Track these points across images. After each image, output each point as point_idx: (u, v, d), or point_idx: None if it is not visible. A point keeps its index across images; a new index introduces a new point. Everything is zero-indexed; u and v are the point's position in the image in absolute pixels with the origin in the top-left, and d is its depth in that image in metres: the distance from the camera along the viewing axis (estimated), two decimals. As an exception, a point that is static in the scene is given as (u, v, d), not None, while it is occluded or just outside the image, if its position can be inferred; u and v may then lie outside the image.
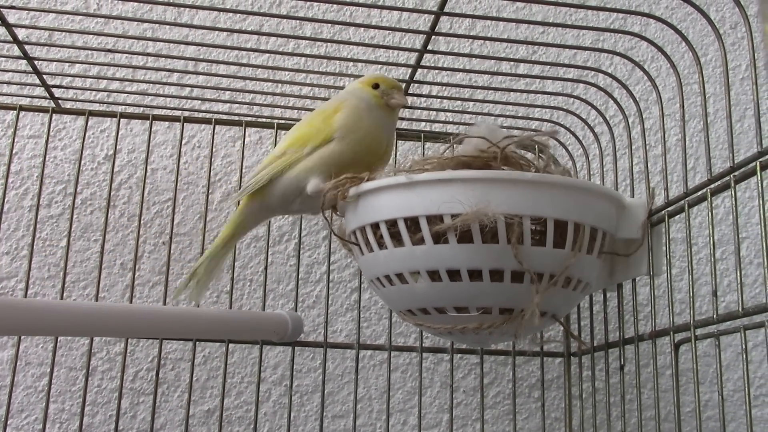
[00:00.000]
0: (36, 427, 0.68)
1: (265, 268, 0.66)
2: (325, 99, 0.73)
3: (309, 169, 0.55)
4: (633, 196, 0.59)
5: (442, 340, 0.65)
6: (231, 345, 0.68)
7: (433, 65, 0.72)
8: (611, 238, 0.52)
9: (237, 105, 0.71)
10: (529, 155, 0.63)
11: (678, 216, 0.52)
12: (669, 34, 0.79)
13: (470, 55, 0.63)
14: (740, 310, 0.45)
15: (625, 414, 0.57)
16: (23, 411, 0.68)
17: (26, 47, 0.59)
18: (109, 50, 0.63)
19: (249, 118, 0.70)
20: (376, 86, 0.58)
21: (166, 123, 0.74)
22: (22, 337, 0.67)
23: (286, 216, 0.75)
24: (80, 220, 0.72)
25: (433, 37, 0.57)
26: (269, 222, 0.67)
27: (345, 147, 0.55)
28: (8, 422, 0.62)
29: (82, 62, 0.70)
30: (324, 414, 0.63)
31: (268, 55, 0.74)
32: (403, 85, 0.66)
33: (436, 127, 0.73)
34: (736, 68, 0.85)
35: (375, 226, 0.50)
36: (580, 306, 0.66)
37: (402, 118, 0.73)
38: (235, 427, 0.70)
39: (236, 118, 0.70)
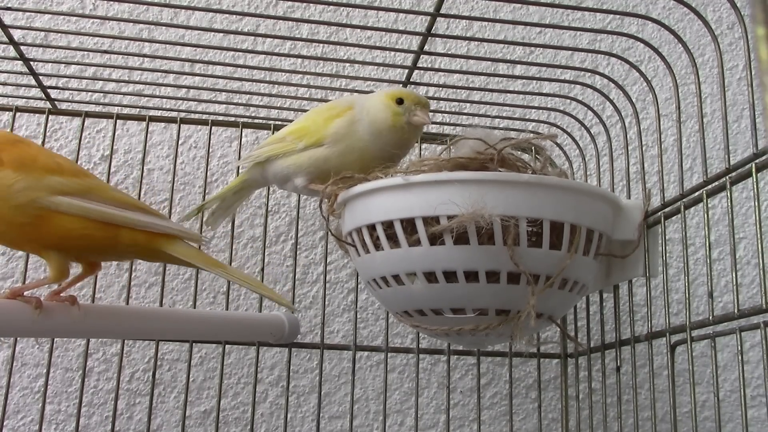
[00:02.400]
0: (32, 428, 0.68)
1: (262, 269, 0.66)
2: (321, 100, 0.73)
3: (298, 165, 0.56)
4: (629, 198, 0.59)
5: (439, 341, 0.65)
6: (228, 346, 0.68)
7: (429, 66, 0.72)
8: (608, 240, 0.52)
9: (233, 106, 0.71)
10: (526, 157, 0.63)
11: (674, 217, 0.52)
12: (666, 35, 0.79)
13: (467, 57, 0.63)
14: (736, 311, 0.45)
15: (622, 415, 0.57)
16: (19, 412, 0.68)
17: (22, 48, 0.59)
18: (105, 51, 0.63)
19: (245, 119, 0.70)
20: (400, 101, 0.54)
21: (163, 123, 0.74)
22: (18, 338, 0.67)
23: (284, 216, 0.75)
24: (76, 221, 0.72)
25: (430, 38, 0.57)
26: (266, 223, 0.67)
27: (332, 155, 0.55)
28: (4, 423, 0.62)
29: (78, 63, 0.70)
30: (321, 415, 0.63)
31: (264, 55, 0.74)
32: (400, 86, 0.66)
33: (433, 128, 0.72)
34: (734, 68, 0.85)
35: (371, 228, 0.50)
36: (577, 307, 0.66)
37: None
38: (232, 428, 0.70)
39: (232, 119, 0.70)
